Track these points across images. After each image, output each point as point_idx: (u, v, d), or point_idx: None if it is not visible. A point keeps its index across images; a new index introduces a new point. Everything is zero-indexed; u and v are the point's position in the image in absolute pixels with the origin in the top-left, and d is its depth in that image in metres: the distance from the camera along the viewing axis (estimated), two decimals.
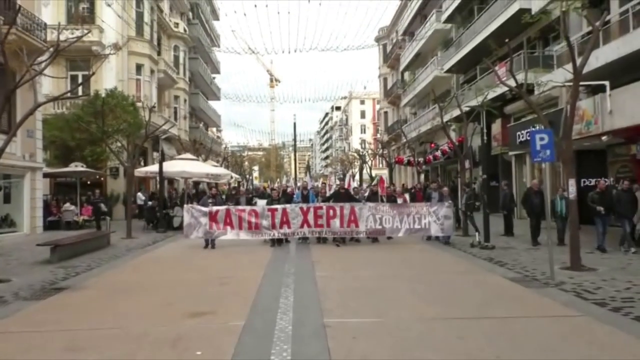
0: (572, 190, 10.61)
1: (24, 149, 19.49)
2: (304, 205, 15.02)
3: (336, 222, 14.53)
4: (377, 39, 55.12)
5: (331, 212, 14.62)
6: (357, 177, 47.17)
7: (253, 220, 14.55)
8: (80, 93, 19.27)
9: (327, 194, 17.00)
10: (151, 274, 10.98)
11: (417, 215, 14.70)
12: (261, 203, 15.78)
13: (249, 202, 16.55)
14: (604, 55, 14.87)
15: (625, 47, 14.22)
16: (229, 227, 14.56)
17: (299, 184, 24.17)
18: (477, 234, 14.58)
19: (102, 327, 6.73)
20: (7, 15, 15.94)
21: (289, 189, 19.83)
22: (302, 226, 14.55)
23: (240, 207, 15.16)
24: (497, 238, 15.39)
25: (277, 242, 14.83)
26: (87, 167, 23.64)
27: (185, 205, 15.92)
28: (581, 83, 11.53)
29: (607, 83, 14.79)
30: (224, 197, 20.61)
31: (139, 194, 25.80)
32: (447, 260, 12.35)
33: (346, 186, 18.95)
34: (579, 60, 10.78)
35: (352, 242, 15.22)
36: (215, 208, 14.81)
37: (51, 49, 12.39)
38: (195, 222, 14.64)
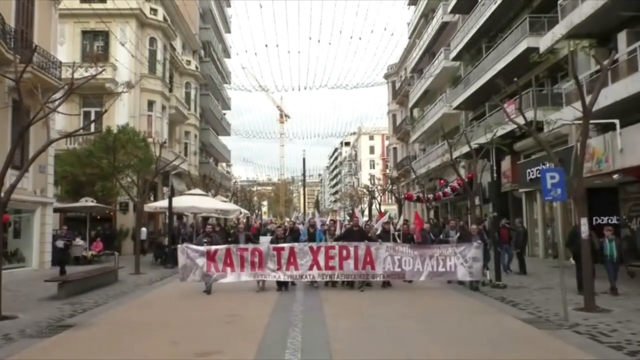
0: (584, 230, 10.47)
1: (35, 184, 19.67)
2: (314, 245, 13.63)
3: (350, 264, 13.14)
4: (386, 76, 55.76)
5: (344, 252, 13.19)
6: (367, 212, 47.03)
7: (256, 260, 13.12)
8: (92, 129, 19.50)
9: (337, 232, 15.43)
10: (158, 312, 10.88)
11: (442, 256, 13.19)
12: (264, 240, 14.48)
13: (249, 240, 14.83)
14: (613, 93, 14.89)
15: (635, 86, 14.23)
16: (229, 269, 13.08)
17: (305, 219, 22.12)
18: (487, 272, 14.33)
19: None
20: (24, 53, 16.32)
21: (297, 225, 17.70)
22: (311, 268, 13.16)
23: (242, 246, 13.63)
24: (509, 277, 15.16)
25: (283, 286, 13.39)
26: (98, 202, 23.76)
27: (179, 246, 14.23)
28: (591, 121, 11.53)
29: (617, 121, 14.75)
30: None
31: (143, 229, 25.77)
32: (458, 299, 12.11)
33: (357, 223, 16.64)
34: (588, 99, 10.80)
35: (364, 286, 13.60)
36: (214, 247, 13.27)
37: (65, 87, 12.60)
38: (191, 263, 13.05)
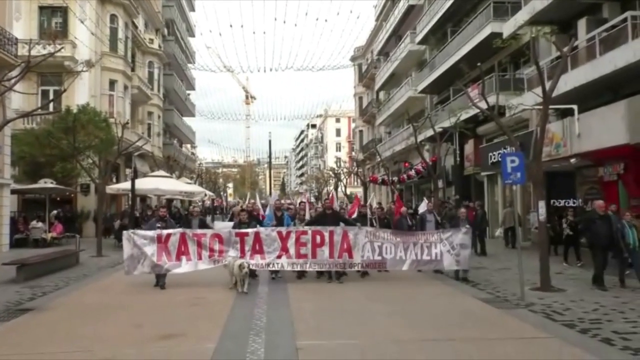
0: (542, 212, 10.79)
1: None
2: (283, 229, 11.98)
3: (324, 252, 11.57)
4: (353, 59, 55.73)
5: (318, 238, 11.62)
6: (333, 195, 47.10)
7: (216, 247, 11.43)
8: (51, 109, 18.93)
9: (307, 216, 13.72)
10: (120, 294, 10.73)
11: (426, 243, 11.90)
12: (221, 226, 12.93)
13: (203, 225, 12.75)
14: (572, 79, 15.25)
15: (593, 72, 14.60)
16: (184, 257, 11.28)
17: (268, 200, 19.58)
18: None
19: (69, 350, 6.56)
20: None
21: (255, 208, 15.29)
22: (279, 256, 11.54)
23: (199, 231, 11.77)
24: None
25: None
26: (57, 184, 23.18)
27: (124, 232, 11.92)
28: (550, 106, 11.82)
29: (575, 107, 15.16)
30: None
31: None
32: (421, 281, 12.27)
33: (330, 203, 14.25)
34: (548, 84, 11.06)
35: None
36: (166, 232, 11.41)
37: (22, 64, 12.19)
38: (138, 252, 11.14)
